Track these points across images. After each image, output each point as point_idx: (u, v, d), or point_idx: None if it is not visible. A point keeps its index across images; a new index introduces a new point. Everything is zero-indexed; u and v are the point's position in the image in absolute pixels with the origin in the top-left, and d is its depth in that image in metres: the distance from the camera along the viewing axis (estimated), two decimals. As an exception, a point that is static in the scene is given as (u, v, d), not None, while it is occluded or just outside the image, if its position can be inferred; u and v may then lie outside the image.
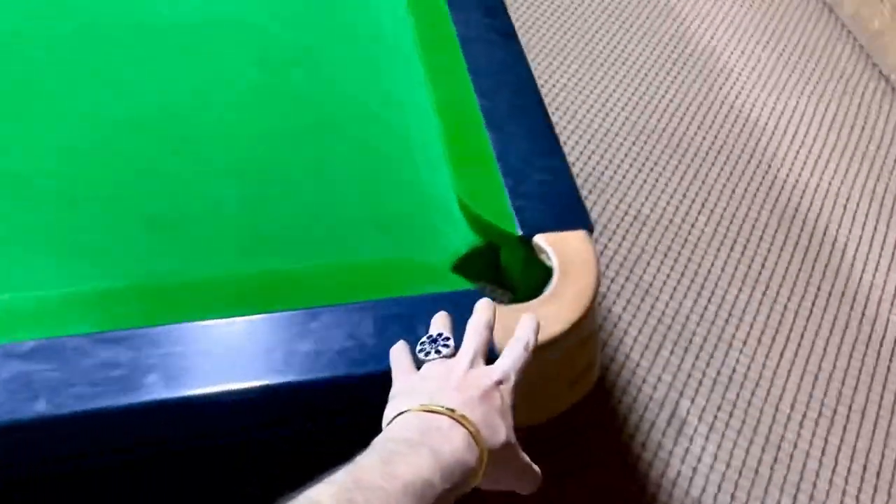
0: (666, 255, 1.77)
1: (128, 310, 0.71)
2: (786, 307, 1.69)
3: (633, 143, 1.98)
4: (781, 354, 1.61)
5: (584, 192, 1.86)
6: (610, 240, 1.78)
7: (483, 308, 0.69)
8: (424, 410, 0.57)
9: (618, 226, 1.81)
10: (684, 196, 1.88)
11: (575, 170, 1.90)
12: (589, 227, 0.85)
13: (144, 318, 0.70)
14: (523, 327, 0.67)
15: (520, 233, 0.84)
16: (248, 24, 1.08)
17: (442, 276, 0.81)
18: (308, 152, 0.94)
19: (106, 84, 0.97)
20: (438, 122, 0.94)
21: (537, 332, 0.67)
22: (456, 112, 0.95)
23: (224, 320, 0.70)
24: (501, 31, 1.05)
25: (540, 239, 0.84)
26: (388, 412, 0.60)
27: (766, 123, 2.10)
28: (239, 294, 0.75)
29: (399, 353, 0.67)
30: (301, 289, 0.77)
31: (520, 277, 0.88)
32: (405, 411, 0.58)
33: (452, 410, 0.57)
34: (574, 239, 0.84)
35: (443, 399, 0.58)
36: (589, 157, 1.94)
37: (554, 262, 0.82)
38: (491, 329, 0.67)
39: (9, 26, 1.02)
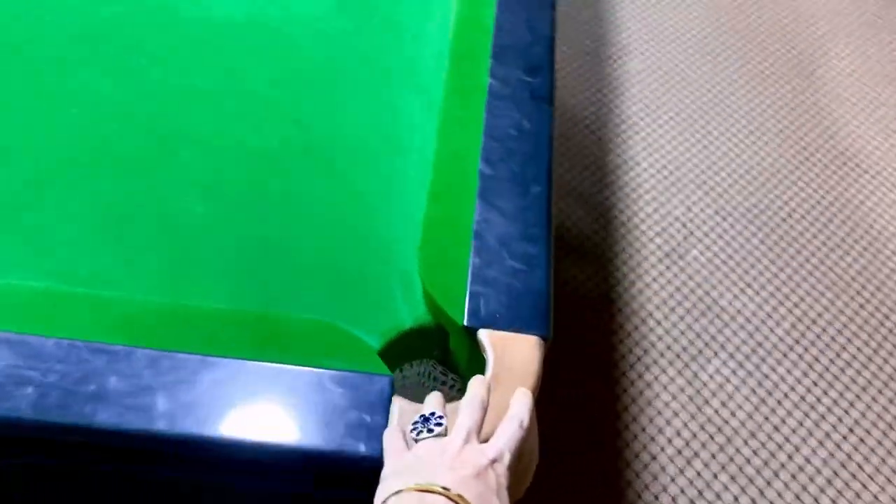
0: (732, 355, 1.59)
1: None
2: (853, 452, 1.47)
3: (732, 225, 1.81)
4: (834, 502, 1.40)
5: (660, 267, 1.72)
6: (674, 325, 1.63)
7: (477, 385, 0.68)
8: (419, 490, 0.56)
9: (687, 311, 1.65)
10: (772, 294, 1.69)
11: (657, 240, 1.76)
12: (543, 335, 0.76)
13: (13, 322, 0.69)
14: (518, 403, 0.67)
15: (464, 323, 0.76)
16: (277, 30, 1.06)
17: (365, 354, 0.75)
18: (289, 180, 0.90)
19: (110, 71, 0.98)
20: (430, 179, 0.87)
21: (532, 409, 0.67)
22: (451, 173, 0.88)
23: (90, 343, 0.68)
24: (537, 92, 0.97)
25: (484, 335, 0.75)
26: (381, 493, 0.59)
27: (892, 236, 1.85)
28: (133, 323, 0.73)
29: (391, 435, 0.66)
30: (203, 332, 0.73)
31: (465, 369, 0.80)
32: (399, 491, 0.57)
33: (447, 489, 0.56)
34: (522, 344, 0.75)
35: (437, 478, 0.57)
36: (679, 229, 1.78)
37: (489, 366, 0.73)
38: (485, 407, 0.66)
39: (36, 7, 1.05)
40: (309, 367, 0.70)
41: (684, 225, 1.79)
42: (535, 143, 0.92)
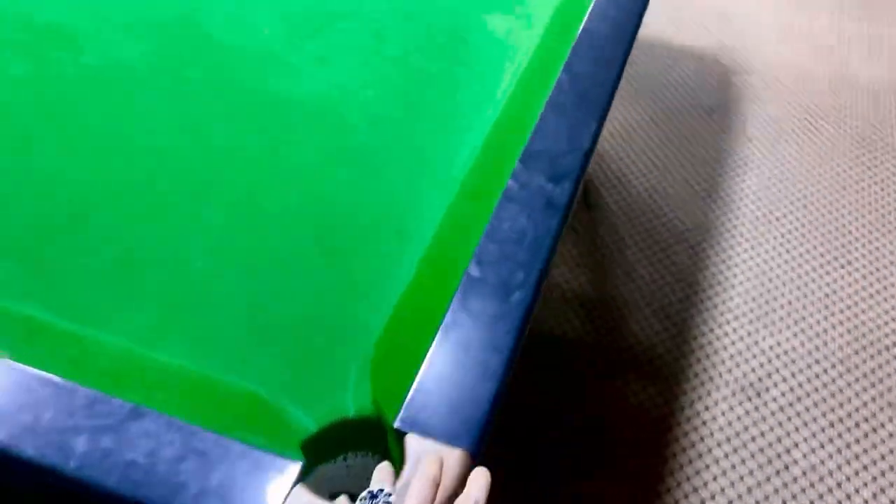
0: (795, 498, 1.42)
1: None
2: None
3: (825, 370, 1.64)
4: None
5: (733, 400, 1.58)
6: (734, 467, 1.49)
7: (430, 463, 0.66)
8: None
9: (753, 454, 1.50)
10: (857, 456, 1.50)
11: (736, 371, 1.63)
12: (472, 452, 0.72)
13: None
14: (475, 484, 0.64)
15: (395, 424, 0.74)
16: (331, 109, 1.11)
17: (293, 436, 0.75)
18: (291, 252, 0.93)
19: (170, 127, 1.06)
20: (412, 275, 0.87)
21: (489, 491, 0.64)
22: (438, 268, 0.88)
23: (42, 375, 0.73)
24: (554, 201, 0.94)
25: (411, 440, 0.73)
26: None
27: None
28: (92, 364, 0.77)
29: None
30: (151, 384, 0.76)
31: (398, 469, 0.77)
32: None
33: None
34: (445, 456, 0.71)
35: None
36: (763, 363, 1.64)
37: (403, 473, 0.70)
38: (437, 487, 0.64)
39: (130, 55, 1.17)
40: (232, 437, 0.71)
41: (769, 360, 1.65)
42: (533, 251, 0.89)
